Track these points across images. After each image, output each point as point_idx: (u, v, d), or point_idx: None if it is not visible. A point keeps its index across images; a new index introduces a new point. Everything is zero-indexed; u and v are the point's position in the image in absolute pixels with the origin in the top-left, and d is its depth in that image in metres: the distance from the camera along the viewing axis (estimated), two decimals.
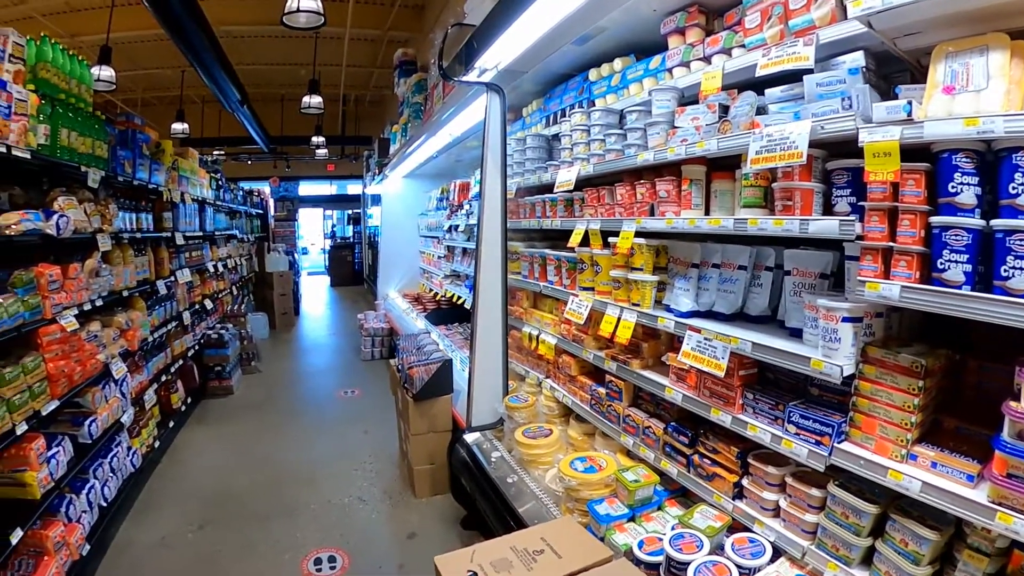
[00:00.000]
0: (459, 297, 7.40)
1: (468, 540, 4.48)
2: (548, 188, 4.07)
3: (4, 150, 3.70)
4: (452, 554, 2.57)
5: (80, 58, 4.87)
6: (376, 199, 16.11)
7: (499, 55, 3.99)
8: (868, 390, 2.06)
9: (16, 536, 3.54)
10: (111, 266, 5.39)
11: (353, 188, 25.36)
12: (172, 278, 7.21)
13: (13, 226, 3.89)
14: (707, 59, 2.86)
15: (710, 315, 2.92)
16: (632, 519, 2.98)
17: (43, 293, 4.18)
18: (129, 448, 5.40)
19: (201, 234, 8.88)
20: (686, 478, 2.93)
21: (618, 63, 3.60)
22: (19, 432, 3.75)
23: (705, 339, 2.66)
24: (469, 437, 4.60)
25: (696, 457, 2.86)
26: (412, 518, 4.94)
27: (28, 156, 3.95)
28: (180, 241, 7.58)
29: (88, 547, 4.28)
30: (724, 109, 2.71)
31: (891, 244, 1.91)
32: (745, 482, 2.61)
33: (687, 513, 2.76)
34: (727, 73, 2.66)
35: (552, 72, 4.28)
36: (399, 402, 5.62)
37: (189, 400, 7.66)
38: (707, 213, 2.87)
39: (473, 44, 3.94)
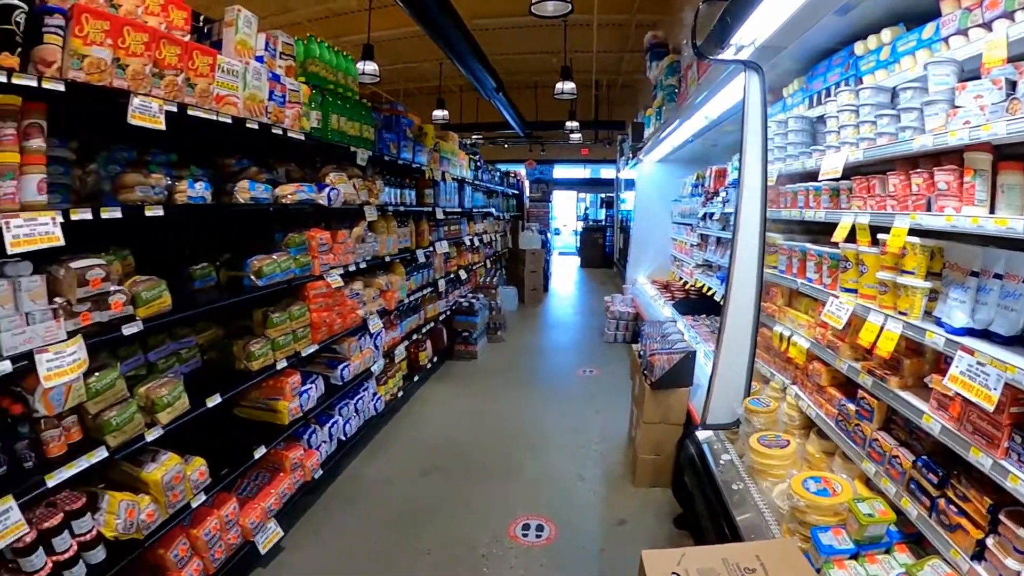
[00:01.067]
0: (709, 288, 7.08)
1: (676, 540, 4.30)
2: (811, 176, 3.69)
3: (281, 132, 4.26)
4: (661, 552, 2.46)
5: (345, 53, 5.39)
6: (629, 183, 15.93)
7: (755, 30, 3.65)
8: None
9: (259, 452, 4.12)
10: (376, 234, 6.02)
11: (606, 172, 25.27)
12: (431, 248, 7.84)
13: (289, 196, 4.47)
14: (987, 25, 2.35)
15: (985, 335, 2.39)
16: (855, 556, 2.62)
17: (313, 254, 4.80)
18: (375, 394, 6.00)
19: (460, 210, 9.60)
20: (925, 523, 2.46)
21: (886, 34, 3.09)
22: (279, 367, 4.37)
23: (978, 363, 2.18)
24: (701, 434, 4.36)
25: (942, 501, 2.39)
26: (626, 505, 4.83)
27: (302, 138, 4.52)
28: (440, 216, 8.24)
29: (321, 472, 4.84)
30: (1012, 85, 2.18)
31: None
32: (989, 541, 2.12)
33: (917, 564, 2.37)
34: (1012, 41, 2.16)
35: (813, 47, 3.84)
36: (636, 387, 5.51)
37: (435, 359, 8.31)
38: (992, 211, 2.35)
39: (727, 20, 3.64)
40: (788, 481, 3.15)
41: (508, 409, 7.06)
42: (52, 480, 2.72)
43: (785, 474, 3.46)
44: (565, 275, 20.37)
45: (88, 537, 2.92)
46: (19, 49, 2.49)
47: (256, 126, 3.93)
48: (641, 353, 5.40)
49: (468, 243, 10.12)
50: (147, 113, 3.05)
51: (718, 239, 6.94)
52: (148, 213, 3.22)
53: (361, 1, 11.72)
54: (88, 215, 2.87)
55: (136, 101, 2.99)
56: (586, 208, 28.43)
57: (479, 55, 11.03)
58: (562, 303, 15.03)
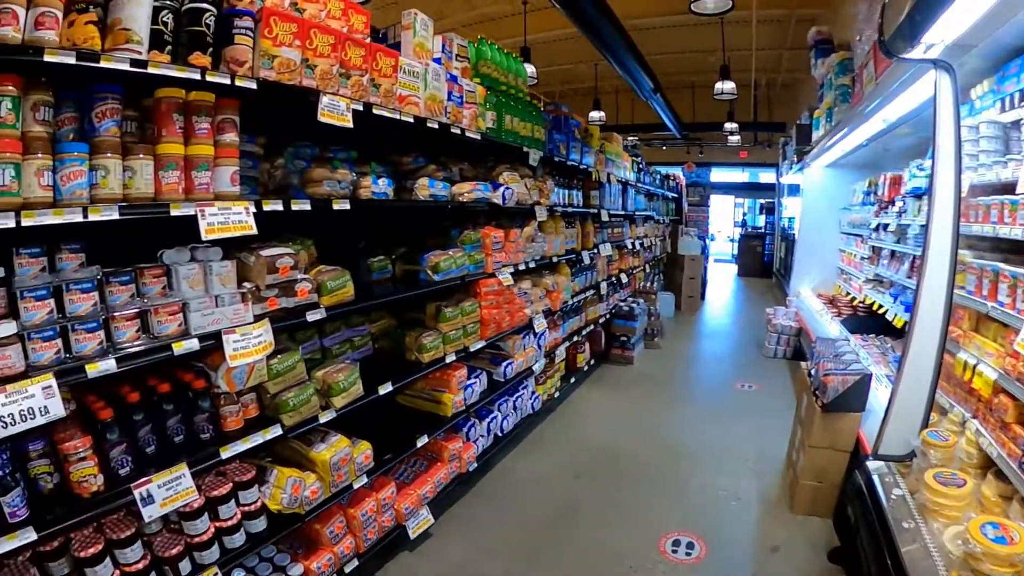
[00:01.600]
0: (879, 305, 6.47)
1: (830, 575, 3.87)
2: (1006, 188, 3.18)
3: (459, 132, 4.22)
4: None
5: (514, 55, 5.30)
6: (792, 189, 14.95)
7: (944, 27, 3.15)
8: None
9: (422, 441, 4.13)
10: (544, 234, 5.90)
11: (765, 176, 23.50)
12: (595, 250, 7.59)
13: (466, 194, 4.45)
14: None
15: None
16: None
17: (487, 251, 4.77)
18: (533, 392, 5.86)
19: (623, 213, 9.27)
20: None
21: None
22: (447, 361, 4.33)
23: None
24: (871, 464, 3.82)
25: None
26: (780, 531, 4.36)
27: (478, 137, 4.47)
28: (604, 218, 8.00)
29: (475, 465, 4.78)
30: None
31: None
32: None
33: None
34: None
35: (1003, 45, 3.30)
36: (802, 408, 4.96)
37: (592, 362, 8.06)
38: None
39: (915, 17, 3.24)
40: (965, 524, 2.76)
41: (663, 418, 6.67)
42: (226, 452, 2.80)
43: (960, 516, 2.99)
44: (722, 283, 19.27)
45: (253, 508, 3.00)
46: (210, 49, 2.56)
47: (436, 125, 3.90)
48: (812, 372, 4.86)
49: (630, 246, 9.77)
50: (335, 111, 3.07)
51: (892, 252, 6.29)
52: (336, 207, 3.27)
53: (514, 5, 11.61)
54: (279, 206, 2.92)
55: (325, 100, 3.02)
56: (744, 214, 26.57)
57: (636, 55, 10.66)
58: (719, 312, 14.26)
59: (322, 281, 3.24)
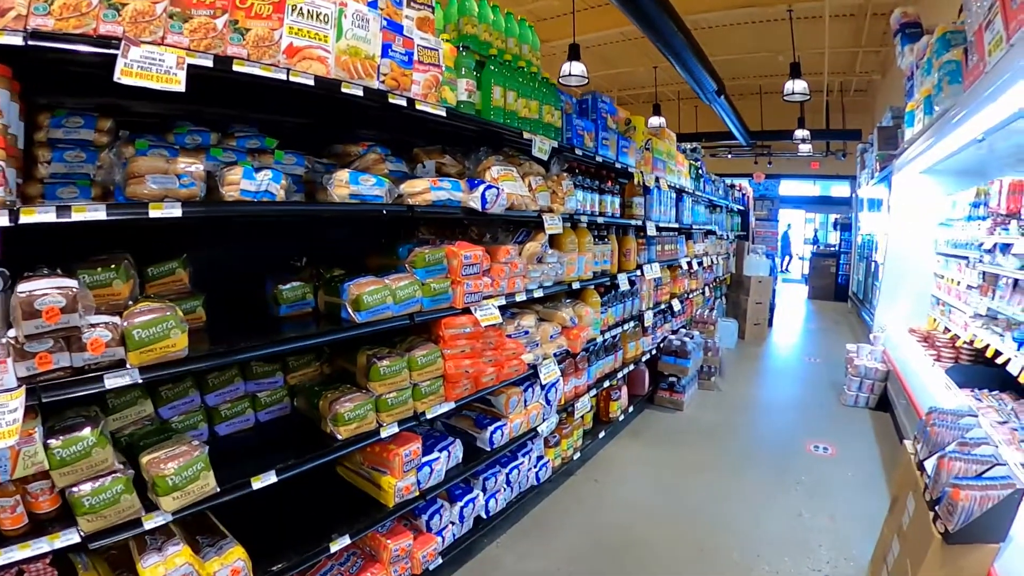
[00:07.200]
0: (995, 351, 4.88)
1: None
2: None
3: (404, 103, 2.93)
4: None
5: (519, 17, 4.11)
6: (873, 203, 13.05)
7: None
8: None
9: (338, 544, 2.85)
10: (561, 252, 4.50)
11: (837, 190, 21.82)
12: (637, 272, 6.13)
13: (418, 195, 3.13)
14: None
15: None
16: None
17: (454, 277, 3.41)
18: (540, 459, 4.48)
19: (676, 226, 7.64)
20: None
21: None
22: (384, 434, 3.05)
23: None
24: None
25: None
26: None
27: (441, 113, 3.15)
28: (652, 232, 6.42)
29: (440, 561, 3.46)
30: None
31: None
32: None
33: None
34: None
35: None
36: (904, 516, 3.28)
37: (631, 409, 6.52)
38: None
39: None
40: None
41: (713, 492, 5.06)
42: None
43: None
44: (790, 307, 16.87)
45: None
46: None
47: (360, 92, 2.68)
48: (931, 475, 3.11)
49: (685, 266, 8.18)
50: (153, 69, 1.95)
51: (1015, 282, 4.79)
52: (155, 214, 2.07)
53: (564, 2, 10.57)
54: (50, 216, 1.82)
55: (136, 52, 1.91)
56: (815, 230, 24.43)
57: (697, 52, 9.59)
58: (788, 343, 12.21)
59: (127, 329, 2.06)
